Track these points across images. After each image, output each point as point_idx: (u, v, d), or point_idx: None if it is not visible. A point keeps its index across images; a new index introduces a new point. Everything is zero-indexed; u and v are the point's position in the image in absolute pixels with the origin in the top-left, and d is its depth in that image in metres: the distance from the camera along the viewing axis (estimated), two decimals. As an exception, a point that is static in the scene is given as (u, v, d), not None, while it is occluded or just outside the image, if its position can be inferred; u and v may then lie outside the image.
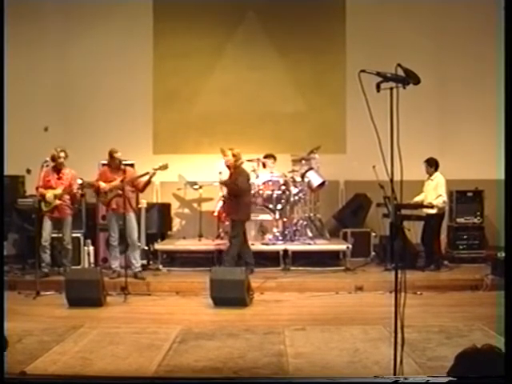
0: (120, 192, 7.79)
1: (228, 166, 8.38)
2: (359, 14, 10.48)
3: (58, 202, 8.03)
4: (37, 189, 8.01)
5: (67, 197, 8.13)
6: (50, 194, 8.00)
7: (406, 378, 3.86)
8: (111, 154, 8.04)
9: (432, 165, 8.65)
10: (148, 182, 8.07)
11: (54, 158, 8.06)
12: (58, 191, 8.04)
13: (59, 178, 8.13)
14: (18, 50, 9.77)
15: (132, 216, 8.06)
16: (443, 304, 7.00)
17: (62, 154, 8.09)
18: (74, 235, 8.56)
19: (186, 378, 4.42)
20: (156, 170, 7.83)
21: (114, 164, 8.06)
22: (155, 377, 4.41)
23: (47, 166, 7.96)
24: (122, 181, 7.80)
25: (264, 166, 9.44)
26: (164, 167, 7.87)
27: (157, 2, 10.61)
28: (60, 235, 8.23)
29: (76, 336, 5.56)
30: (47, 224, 8.06)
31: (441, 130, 10.46)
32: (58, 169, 8.13)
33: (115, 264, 8.07)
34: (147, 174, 7.90)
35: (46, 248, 8.06)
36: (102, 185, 8.04)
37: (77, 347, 5.19)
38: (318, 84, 10.64)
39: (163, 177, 8.20)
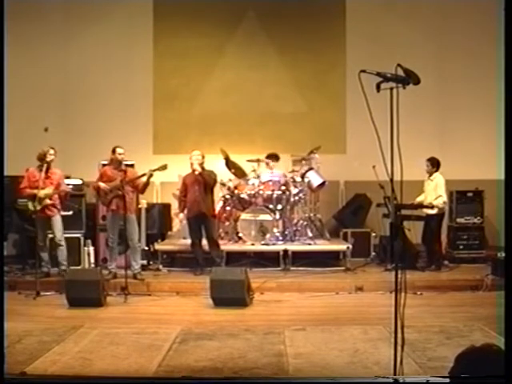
0: (120, 193, 7.76)
1: (199, 166, 8.31)
2: (359, 13, 10.49)
3: (48, 201, 7.96)
4: (23, 189, 7.94)
5: (55, 196, 8.05)
6: (41, 194, 7.91)
7: (404, 379, 3.87)
8: (113, 150, 8.01)
9: (434, 164, 8.62)
10: (147, 183, 8.02)
11: (41, 158, 7.95)
12: (48, 191, 7.97)
13: (47, 178, 8.01)
14: (17, 49, 9.77)
15: (132, 217, 8.05)
16: (443, 304, 6.99)
17: (52, 152, 7.97)
18: (75, 235, 8.56)
19: (187, 378, 4.42)
20: (154, 170, 7.75)
21: (114, 163, 8.04)
22: (155, 377, 4.41)
23: (38, 166, 7.87)
24: (121, 181, 7.78)
25: (267, 165, 9.44)
26: (163, 167, 7.82)
27: (157, 1, 10.62)
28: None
29: (76, 336, 5.56)
30: (39, 224, 7.98)
31: (441, 130, 10.47)
32: (46, 168, 7.95)
33: (112, 265, 8.07)
34: (144, 174, 7.87)
35: (44, 247, 8.06)
36: (102, 185, 8.02)
37: (77, 347, 5.18)
38: (318, 84, 10.65)
39: (163, 177, 8.20)
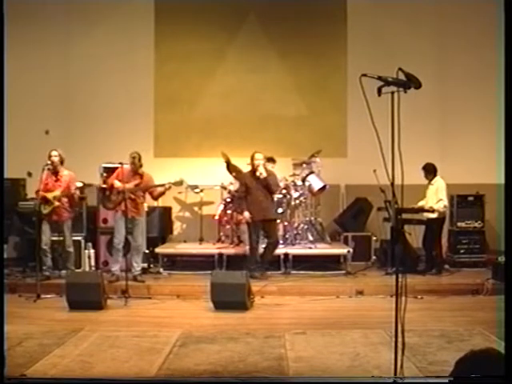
0: (132, 196, 7.78)
1: (264, 169, 8.32)
2: (360, 17, 10.50)
3: (56, 203, 8.01)
4: (37, 192, 7.99)
5: (65, 199, 8.09)
6: (50, 196, 7.98)
7: (402, 378, 3.88)
8: (132, 159, 8.02)
9: (430, 171, 8.62)
10: (163, 193, 8.12)
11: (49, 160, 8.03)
12: (56, 193, 8.02)
13: (57, 180, 8.08)
14: (18, 52, 9.77)
15: (141, 220, 8.09)
16: (444, 308, 6.99)
17: (54, 153, 8.01)
18: (75, 238, 8.55)
19: (187, 382, 4.42)
20: (172, 184, 7.87)
21: (133, 167, 8.04)
22: (155, 380, 4.41)
23: (48, 169, 7.95)
24: (136, 185, 7.82)
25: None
26: (179, 183, 7.96)
27: (158, 4, 10.64)
28: (61, 238, 8.22)
29: (76, 339, 5.55)
30: (46, 227, 8.04)
31: (442, 134, 10.46)
32: (55, 171, 8.09)
33: (115, 267, 8.04)
34: (163, 185, 7.93)
35: (47, 251, 8.07)
36: (117, 183, 7.97)
37: (77, 350, 5.18)
38: (319, 88, 10.65)
39: (164, 180, 8.18)
